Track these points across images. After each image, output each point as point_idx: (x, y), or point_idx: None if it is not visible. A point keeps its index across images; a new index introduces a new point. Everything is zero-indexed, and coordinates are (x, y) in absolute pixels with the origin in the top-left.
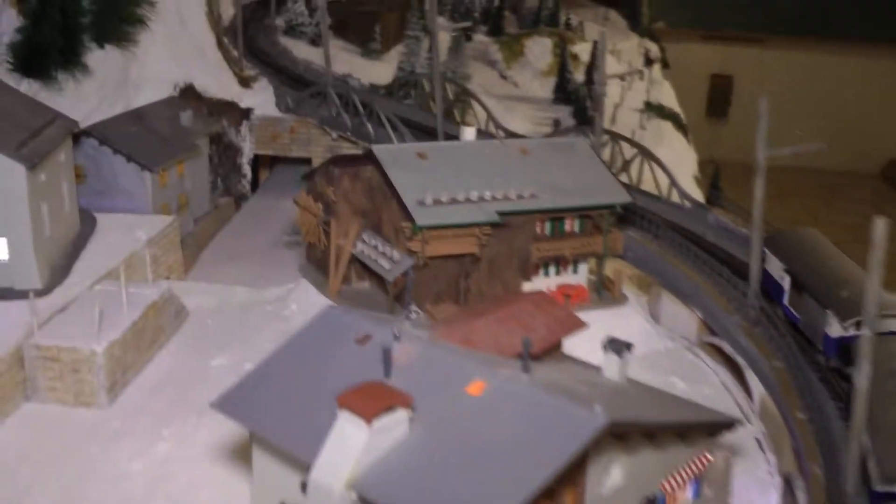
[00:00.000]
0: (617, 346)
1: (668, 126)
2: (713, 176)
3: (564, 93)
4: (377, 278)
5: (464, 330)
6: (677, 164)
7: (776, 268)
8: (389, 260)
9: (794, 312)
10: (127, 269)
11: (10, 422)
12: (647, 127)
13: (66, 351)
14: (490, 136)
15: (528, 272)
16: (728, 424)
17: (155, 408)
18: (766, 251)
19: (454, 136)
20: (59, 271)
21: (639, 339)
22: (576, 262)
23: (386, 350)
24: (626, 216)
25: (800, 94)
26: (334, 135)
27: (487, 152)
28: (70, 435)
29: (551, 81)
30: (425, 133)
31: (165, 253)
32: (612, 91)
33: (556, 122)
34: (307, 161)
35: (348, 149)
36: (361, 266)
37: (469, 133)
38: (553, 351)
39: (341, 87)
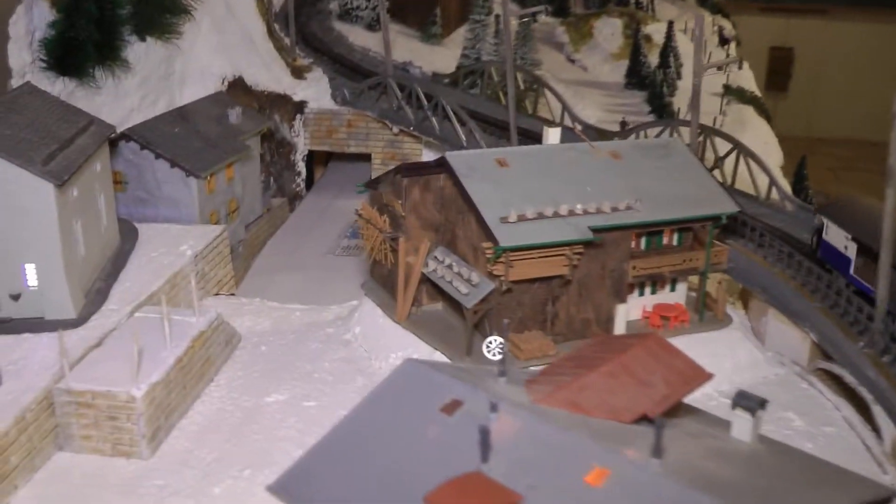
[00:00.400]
0: (749, 404)
1: (749, 111)
2: (798, 165)
3: (638, 77)
4: (452, 300)
5: (570, 390)
6: (762, 153)
7: (838, 236)
8: (467, 283)
9: (865, 282)
10: (172, 289)
11: (39, 477)
12: (728, 113)
13: (102, 396)
14: (569, 129)
15: (622, 294)
16: (888, 499)
17: (203, 458)
18: (825, 220)
19: (527, 130)
20: (95, 296)
21: (746, 366)
22: (674, 280)
23: (484, 431)
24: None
25: (863, 66)
26: (395, 129)
27: (575, 157)
28: (107, 492)
29: (622, 65)
30: (495, 126)
31: (214, 268)
32: (688, 72)
33: (623, 124)
34: (366, 157)
35: (410, 144)
36: (433, 286)
37: (553, 135)
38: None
39: (403, 78)
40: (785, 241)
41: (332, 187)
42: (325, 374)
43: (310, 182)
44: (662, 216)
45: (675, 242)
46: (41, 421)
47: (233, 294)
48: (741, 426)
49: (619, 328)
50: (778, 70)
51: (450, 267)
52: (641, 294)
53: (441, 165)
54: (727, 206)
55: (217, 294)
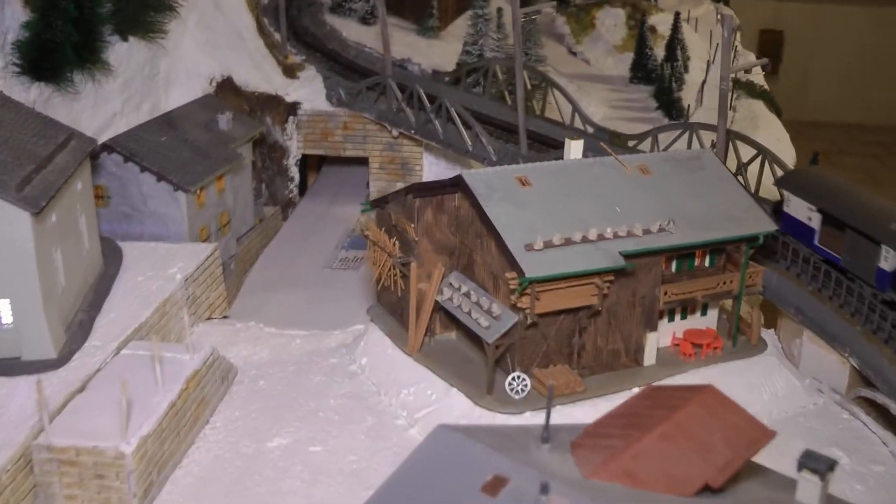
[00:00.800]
0: (818, 466)
1: (760, 106)
2: (811, 161)
3: (644, 71)
4: (469, 330)
5: (623, 459)
6: (776, 151)
7: (800, 208)
8: (487, 314)
9: (831, 252)
10: (161, 318)
11: None
12: (738, 108)
13: (87, 452)
14: (586, 134)
15: (653, 321)
16: None
17: None
18: (785, 193)
19: (536, 134)
20: (77, 331)
21: (784, 397)
22: (705, 304)
23: None
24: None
25: (854, 49)
26: (395, 132)
27: (602, 173)
28: None
29: (626, 58)
30: (502, 129)
31: (206, 290)
32: (695, 66)
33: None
34: (362, 161)
35: (410, 147)
36: (447, 314)
37: (576, 148)
38: None
39: (403, 77)
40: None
41: (327, 193)
42: (331, 413)
43: (303, 188)
44: (697, 238)
45: (707, 264)
46: (18, 482)
47: (225, 317)
48: (808, 490)
49: (650, 358)
50: (768, 53)
51: (467, 295)
52: (671, 320)
53: (456, 185)
54: (764, 225)
55: (209, 318)
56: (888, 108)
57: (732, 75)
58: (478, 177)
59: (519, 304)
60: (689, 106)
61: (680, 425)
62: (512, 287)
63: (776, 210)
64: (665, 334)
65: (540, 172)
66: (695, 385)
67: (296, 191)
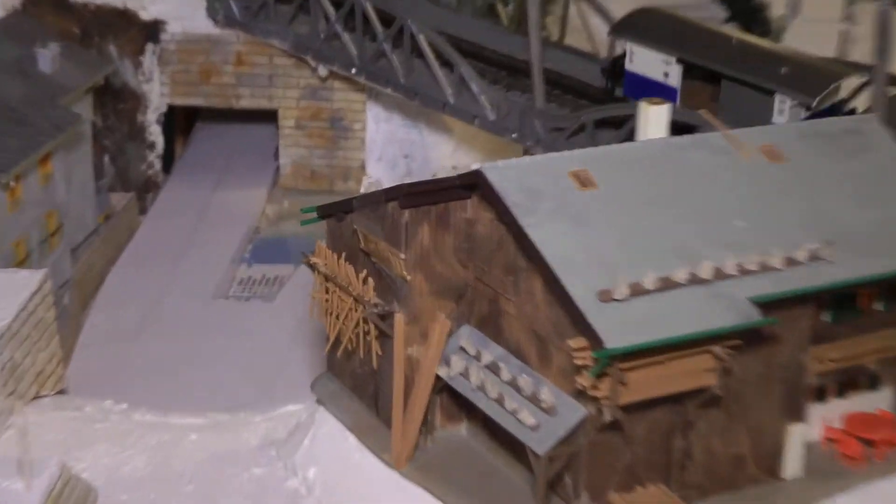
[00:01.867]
0: None
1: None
2: None
3: None
4: (495, 425)
5: None
6: None
7: (651, 62)
8: (531, 404)
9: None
10: None
11: None
12: (860, 18)
13: None
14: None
15: (798, 406)
16: None
17: None
18: (628, 45)
19: (556, 75)
20: None
21: None
22: (874, 374)
23: None
24: None
25: None
26: (322, 71)
27: (706, 162)
28: None
29: None
30: (498, 67)
31: (32, 349)
32: None
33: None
34: (268, 116)
35: (345, 94)
36: (453, 395)
37: (657, 118)
38: None
39: None
40: None
41: (208, 168)
42: None
43: (169, 159)
44: (873, 270)
45: (880, 308)
46: None
47: (62, 391)
48: None
49: (794, 467)
50: None
51: (492, 369)
52: (822, 400)
53: (472, 187)
54: None
55: (37, 397)
56: None
57: None
58: (508, 173)
59: (592, 392)
60: (781, 17)
61: None
62: (580, 363)
63: (613, 70)
64: (814, 424)
65: (607, 163)
66: None
67: (158, 165)
